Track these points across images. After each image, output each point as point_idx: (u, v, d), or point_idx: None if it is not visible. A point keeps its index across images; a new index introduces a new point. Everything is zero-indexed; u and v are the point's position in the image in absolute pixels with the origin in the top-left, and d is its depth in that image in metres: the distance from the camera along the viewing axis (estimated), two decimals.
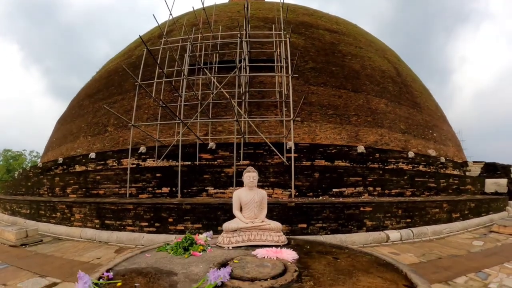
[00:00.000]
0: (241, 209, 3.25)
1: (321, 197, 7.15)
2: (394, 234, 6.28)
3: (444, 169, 11.20)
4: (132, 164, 9.26)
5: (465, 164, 13.54)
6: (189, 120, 8.70)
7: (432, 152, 12.02)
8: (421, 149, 12.10)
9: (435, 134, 13.75)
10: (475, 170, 13.57)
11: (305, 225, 5.97)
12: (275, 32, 11.72)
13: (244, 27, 10.71)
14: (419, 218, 6.92)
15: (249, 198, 3.19)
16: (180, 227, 5.89)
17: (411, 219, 6.83)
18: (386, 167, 9.12)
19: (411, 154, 10.25)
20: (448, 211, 7.39)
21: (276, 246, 2.89)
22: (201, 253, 2.87)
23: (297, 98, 9.41)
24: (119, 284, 2.03)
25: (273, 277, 2.16)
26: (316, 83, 11.93)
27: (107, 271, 2.23)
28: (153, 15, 10.40)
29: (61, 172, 11.08)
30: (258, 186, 3.48)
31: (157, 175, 7.58)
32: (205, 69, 10.57)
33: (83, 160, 10.89)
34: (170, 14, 10.99)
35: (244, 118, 8.58)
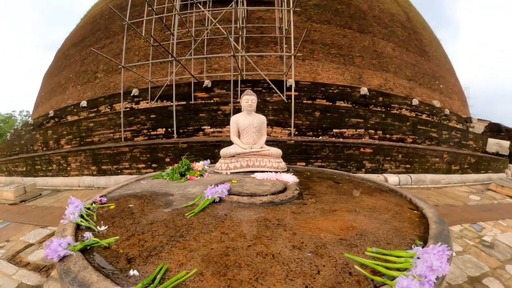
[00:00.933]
0: (239, 135, 3.06)
1: (321, 137, 7.02)
2: (392, 178, 6.31)
3: (447, 121, 10.95)
4: (125, 107, 8.93)
5: (469, 119, 13.19)
6: (183, 58, 8.11)
7: (436, 103, 11.62)
8: (426, 99, 11.69)
9: (441, 86, 13.18)
10: (478, 128, 13.17)
11: (304, 163, 5.95)
12: None
13: None
14: (418, 165, 6.91)
15: (247, 123, 2.97)
16: None
17: (411, 165, 6.82)
18: (389, 111, 8.87)
19: (415, 102, 9.91)
20: (448, 162, 7.35)
21: (276, 172, 2.78)
22: (198, 178, 2.77)
23: (299, 36, 8.66)
24: (112, 207, 1.93)
25: (273, 194, 2.06)
26: (319, 20, 10.95)
27: (101, 197, 2.12)
28: None
29: (53, 125, 10.74)
30: None
31: (152, 116, 7.31)
32: (198, 4, 9.55)
33: (75, 110, 10.50)
34: None
35: (242, 53, 7.97)
